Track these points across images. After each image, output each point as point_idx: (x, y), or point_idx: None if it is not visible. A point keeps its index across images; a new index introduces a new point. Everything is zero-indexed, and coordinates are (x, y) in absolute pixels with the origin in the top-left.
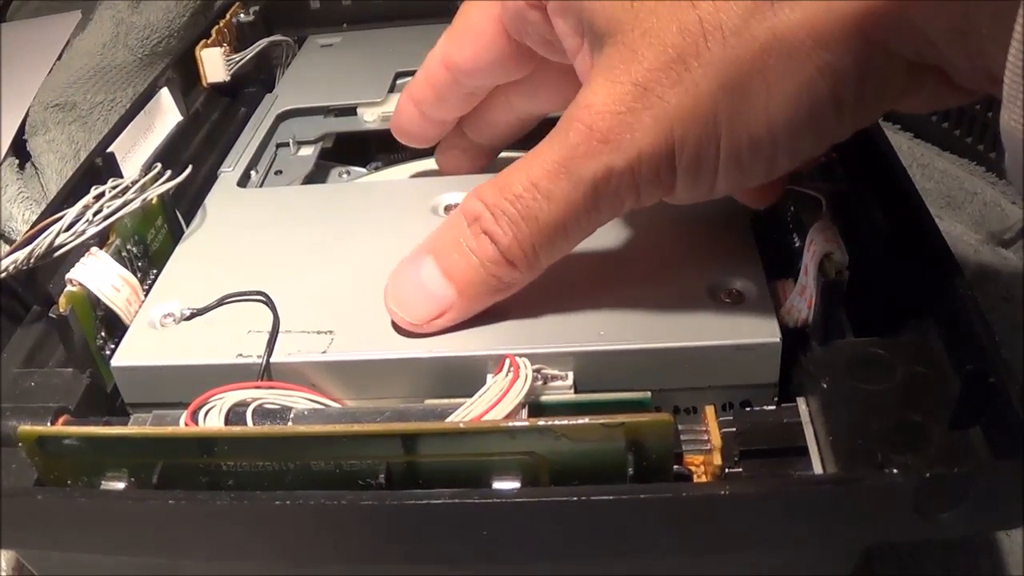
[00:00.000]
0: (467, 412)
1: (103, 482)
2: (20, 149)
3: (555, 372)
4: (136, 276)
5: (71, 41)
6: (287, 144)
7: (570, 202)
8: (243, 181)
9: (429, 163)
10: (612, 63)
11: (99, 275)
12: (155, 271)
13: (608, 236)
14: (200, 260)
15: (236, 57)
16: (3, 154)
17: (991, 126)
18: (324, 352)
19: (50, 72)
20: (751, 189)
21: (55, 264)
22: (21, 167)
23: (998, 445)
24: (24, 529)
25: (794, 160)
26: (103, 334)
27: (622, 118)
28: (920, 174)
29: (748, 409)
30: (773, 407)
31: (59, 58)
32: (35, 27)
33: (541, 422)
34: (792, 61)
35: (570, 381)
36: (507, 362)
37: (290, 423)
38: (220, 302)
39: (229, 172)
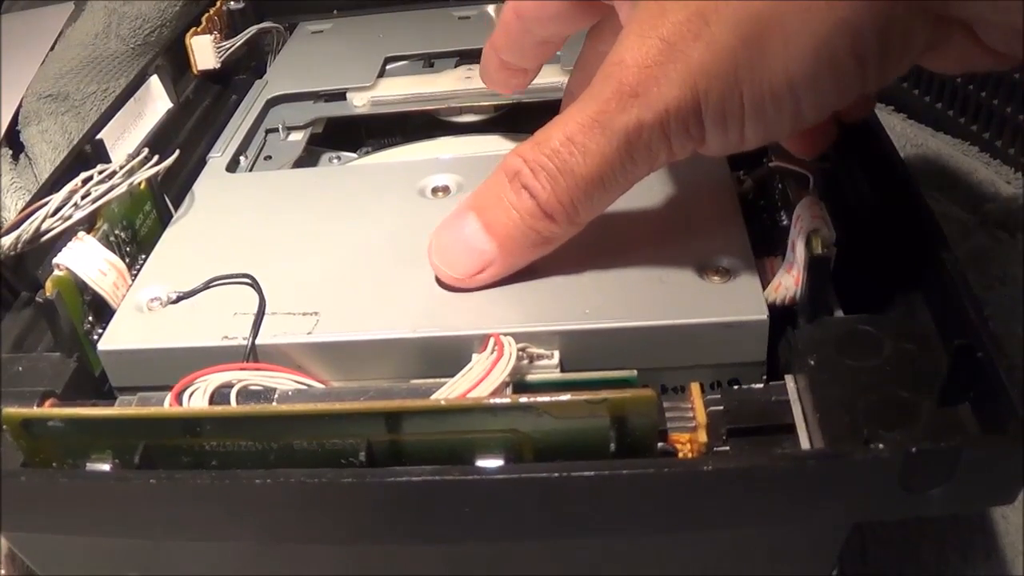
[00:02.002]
0: (450, 390)
1: (88, 464)
2: (13, 140)
3: (541, 351)
4: (124, 261)
5: (63, 32)
6: (276, 130)
7: (605, 156)
8: (232, 166)
9: (419, 147)
10: (642, 18)
11: (86, 259)
12: (143, 256)
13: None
14: (188, 244)
15: (226, 44)
16: None
17: (984, 106)
18: (309, 333)
19: (43, 63)
20: (799, 136)
21: (44, 249)
22: (14, 157)
23: (987, 421)
24: (10, 511)
25: (821, 111)
26: (90, 318)
27: (649, 72)
28: (914, 155)
29: (736, 387)
30: (761, 385)
31: (52, 49)
32: (28, 18)
33: (523, 399)
34: (809, 15)
35: (556, 360)
36: (491, 341)
37: (274, 404)
38: (206, 285)
39: (218, 157)
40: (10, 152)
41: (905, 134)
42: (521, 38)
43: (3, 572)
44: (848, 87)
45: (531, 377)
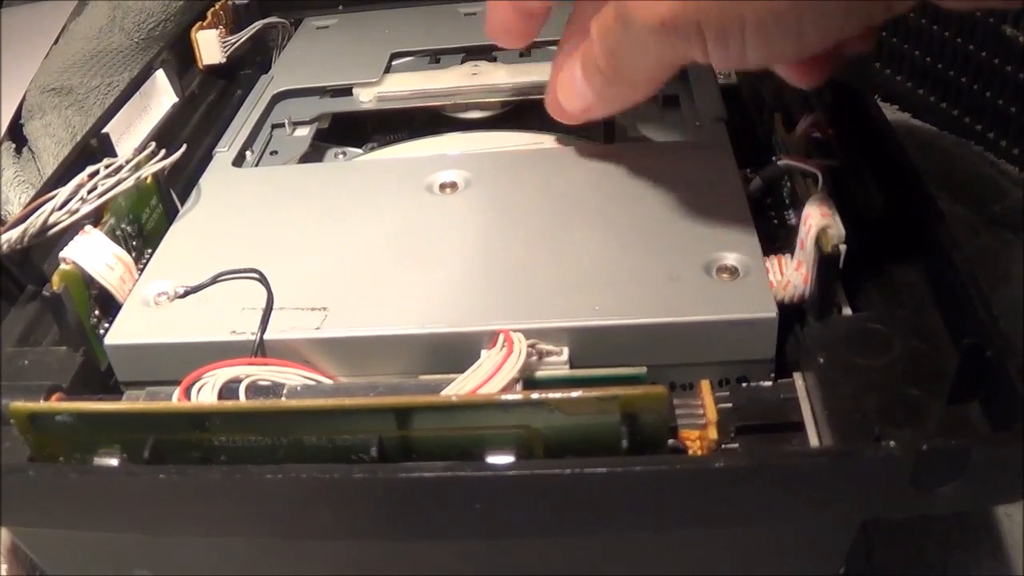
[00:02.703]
0: (460, 386)
1: (96, 458)
2: (17, 133)
3: (550, 348)
4: (131, 255)
5: (67, 25)
6: (283, 125)
7: (627, 47)
8: (238, 161)
9: (425, 143)
10: None
11: (93, 253)
12: (150, 250)
13: (605, 212)
14: (194, 239)
15: (232, 39)
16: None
17: (990, 106)
18: (318, 329)
19: (46, 56)
20: (796, 65)
21: (50, 243)
22: (18, 151)
23: (996, 419)
24: (17, 506)
25: (827, 35)
26: (97, 312)
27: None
28: (919, 154)
29: (744, 385)
30: (770, 383)
31: (55, 42)
32: (31, 12)
33: (535, 395)
34: None
35: (565, 356)
36: (501, 337)
37: (283, 399)
38: (214, 280)
39: (224, 152)
40: (13, 146)
41: (910, 133)
42: None
43: (5, 568)
44: (853, 18)
45: (540, 373)
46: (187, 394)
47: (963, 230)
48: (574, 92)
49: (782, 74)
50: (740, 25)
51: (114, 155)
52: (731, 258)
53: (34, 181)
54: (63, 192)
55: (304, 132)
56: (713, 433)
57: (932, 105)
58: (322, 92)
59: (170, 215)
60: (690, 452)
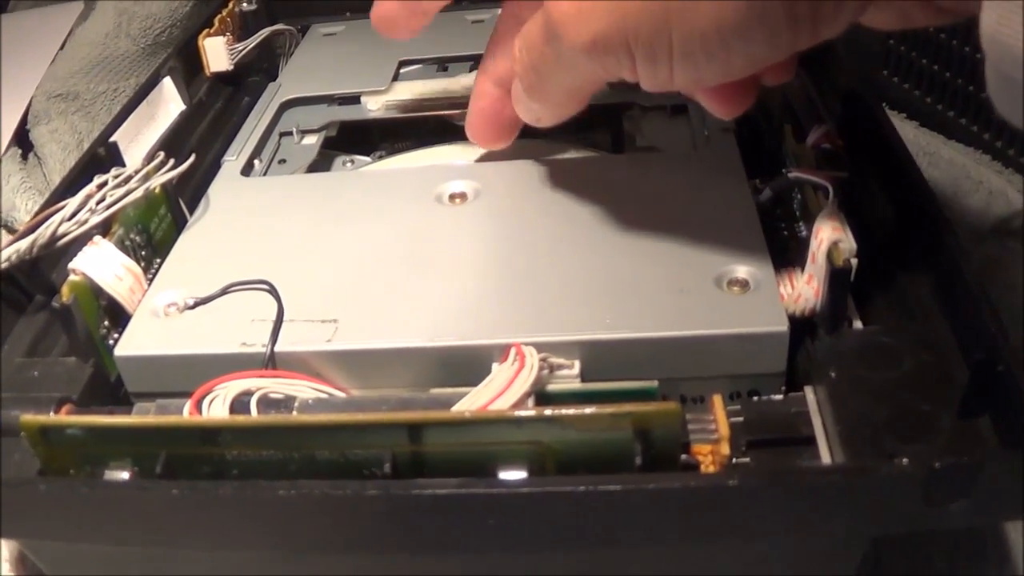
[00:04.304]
0: (472, 401)
1: (106, 472)
2: (23, 139)
3: (561, 361)
4: (140, 265)
5: (73, 30)
6: (291, 133)
7: (553, 63)
8: (246, 170)
9: (434, 152)
10: None
11: (102, 264)
12: (159, 260)
13: (614, 224)
14: (203, 249)
15: (239, 46)
16: (6, 144)
17: (997, 114)
18: (329, 341)
19: (52, 62)
20: (718, 93)
21: (58, 254)
22: (24, 157)
23: (1007, 434)
24: (26, 519)
25: (752, 63)
26: (106, 323)
27: (573, 17)
28: (926, 163)
29: (755, 398)
30: (781, 396)
31: (61, 48)
32: (37, 17)
33: (548, 411)
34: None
35: (576, 370)
36: (513, 351)
37: (294, 412)
38: (224, 291)
39: (232, 161)
40: (19, 151)
41: (917, 142)
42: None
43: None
44: (780, 43)
45: (551, 387)
46: (198, 407)
47: (968, 238)
48: (523, 106)
49: (704, 103)
50: (668, 46)
51: (122, 164)
52: (742, 271)
53: (40, 187)
54: (72, 203)
55: (312, 140)
56: (725, 448)
57: (940, 113)
58: (330, 100)
59: (179, 225)
60: (702, 467)
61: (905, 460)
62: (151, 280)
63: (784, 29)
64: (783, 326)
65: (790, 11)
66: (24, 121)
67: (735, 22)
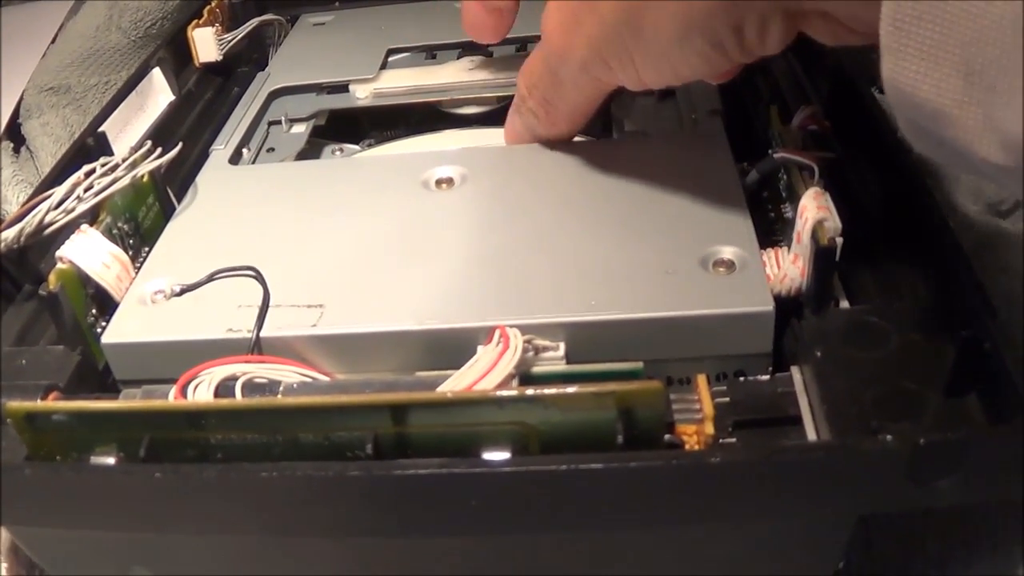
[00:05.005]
0: (456, 383)
1: (92, 457)
2: (14, 133)
3: (546, 343)
4: (127, 254)
5: (64, 24)
6: (279, 122)
7: (559, 90)
8: (235, 159)
9: (422, 140)
10: None
11: (89, 252)
12: (146, 248)
13: (601, 207)
14: (191, 237)
15: (228, 37)
16: None
17: None
18: (314, 326)
19: (44, 55)
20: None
21: (46, 243)
22: (16, 151)
23: (994, 412)
24: (13, 505)
25: (704, 74)
26: (94, 311)
27: (567, 28)
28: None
29: (742, 379)
30: (767, 377)
31: (53, 41)
32: (28, 11)
33: (530, 391)
34: (666, 11)
35: (561, 352)
36: (497, 333)
37: (279, 397)
38: (210, 278)
39: (221, 150)
40: (11, 145)
41: None
42: None
43: (5, 567)
44: (715, 64)
45: (536, 369)
46: (183, 392)
47: (960, 221)
48: (518, 137)
49: None
50: (631, 59)
51: (111, 154)
52: (727, 252)
53: (32, 180)
54: (59, 191)
55: (301, 129)
56: (710, 428)
57: None
58: (319, 89)
59: (167, 213)
60: (687, 447)
61: (890, 437)
62: (139, 268)
63: (715, 55)
64: (769, 306)
65: (713, 41)
66: (16, 115)
67: (674, 51)
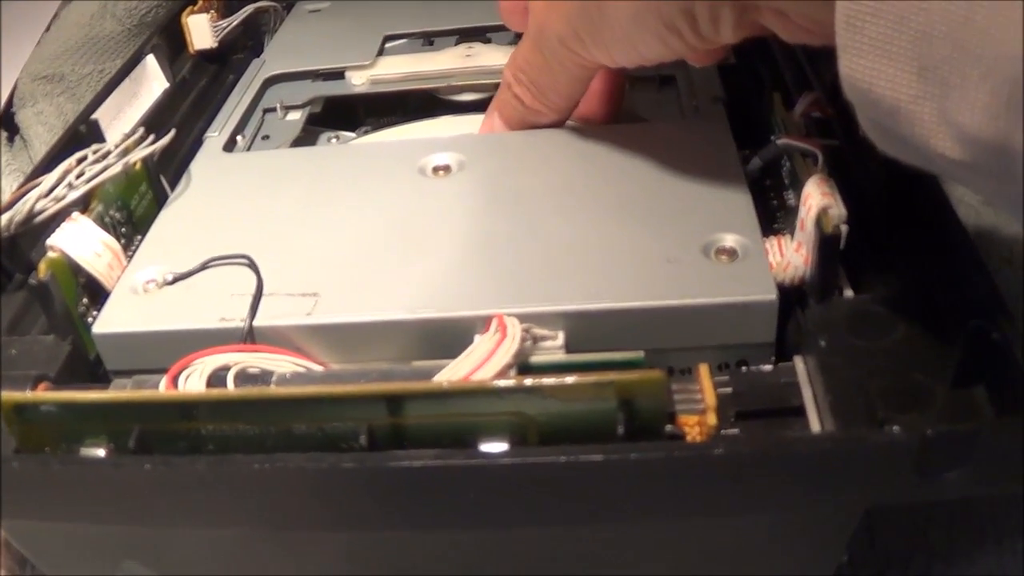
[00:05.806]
0: (453, 372)
1: (82, 449)
2: (8, 122)
3: (545, 332)
4: (120, 242)
5: (58, 12)
6: (274, 109)
7: (547, 70)
8: (229, 146)
9: (419, 126)
10: None
11: (80, 240)
12: (139, 237)
13: (601, 194)
14: (184, 225)
15: (223, 23)
16: None
17: None
18: (308, 315)
19: (38, 44)
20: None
21: (37, 231)
22: (10, 140)
23: (1002, 403)
24: (2, 498)
25: (667, 57)
26: (85, 301)
27: (548, 4)
28: None
29: (744, 369)
30: (770, 367)
31: (47, 30)
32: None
33: (528, 381)
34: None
35: (561, 341)
36: (494, 321)
37: (272, 387)
38: (203, 266)
39: (215, 137)
40: (5, 134)
41: None
42: None
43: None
44: (675, 48)
45: (535, 358)
46: (175, 382)
47: (964, 211)
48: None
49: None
50: (601, 36)
51: (103, 141)
52: (730, 240)
53: (26, 169)
54: (49, 179)
55: (296, 116)
56: (712, 419)
57: None
58: (314, 76)
59: (160, 201)
60: (688, 438)
61: (897, 428)
62: (131, 257)
63: (673, 40)
64: (772, 295)
65: (670, 28)
66: (10, 104)
67: (635, 34)
